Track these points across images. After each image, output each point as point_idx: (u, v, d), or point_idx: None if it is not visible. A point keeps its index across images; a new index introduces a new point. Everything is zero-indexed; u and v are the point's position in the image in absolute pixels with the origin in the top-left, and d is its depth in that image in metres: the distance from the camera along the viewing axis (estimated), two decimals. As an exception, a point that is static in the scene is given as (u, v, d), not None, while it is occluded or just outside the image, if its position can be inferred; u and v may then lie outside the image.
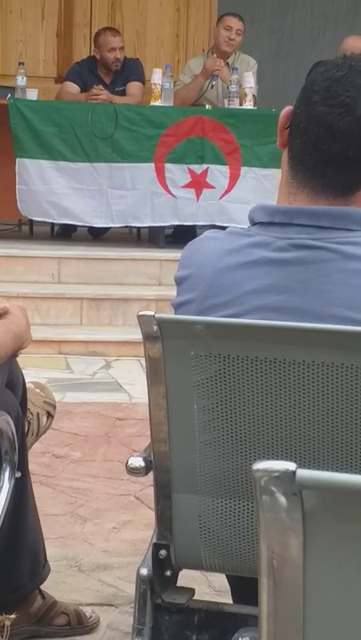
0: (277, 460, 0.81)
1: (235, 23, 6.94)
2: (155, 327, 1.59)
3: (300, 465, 0.81)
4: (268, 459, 1.50)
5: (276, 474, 0.78)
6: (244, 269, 1.60)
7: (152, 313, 1.59)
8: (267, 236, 1.61)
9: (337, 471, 1.48)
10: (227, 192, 6.50)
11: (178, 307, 1.69)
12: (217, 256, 1.64)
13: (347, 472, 1.48)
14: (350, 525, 0.77)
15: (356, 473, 1.50)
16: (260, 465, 0.79)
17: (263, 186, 6.35)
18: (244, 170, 6.44)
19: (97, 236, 7.00)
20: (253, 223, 1.65)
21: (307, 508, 0.77)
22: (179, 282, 1.70)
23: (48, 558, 2.46)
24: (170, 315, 1.63)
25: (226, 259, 1.63)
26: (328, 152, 1.56)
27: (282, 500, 0.78)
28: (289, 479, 0.77)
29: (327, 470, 1.49)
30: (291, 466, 0.78)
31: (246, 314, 1.58)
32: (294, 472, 0.78)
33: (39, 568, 2.42)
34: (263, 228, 1.62)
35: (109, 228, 6.75)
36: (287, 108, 1.66)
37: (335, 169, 1.57)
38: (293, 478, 0.77)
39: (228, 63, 7.00)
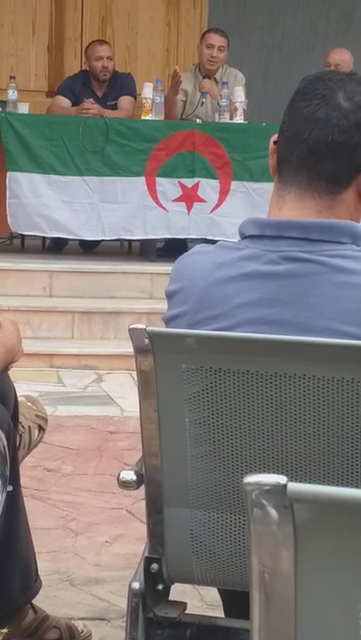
0: (269, 473, 0.81)
1: (216, 40, 6.95)
2: (146, 340, 1.59)
3: (292, 478, 0.81)
4: (260, 472, 1.50)
5: (267, 487, 0.78)
6: (235, 282, 1.61)
7: (143, 326, 1.59)
8: (257, 249, 1.61)
9: (328, 485, 1.48)
10: (217, 206, 6.51)
11: (169, 320, 1.70)
12: (208, 270, 1.64)
13: (338, 485, 1.48)
14: (341, 538, 0.77)
15: (347, 486, 1.50)
16: (251, 478, 0.79)
17: (254, 200, 6.37)
18: (234, 184, 6.46)
19: (88, 249, 7.01)
20: (244, 237, 1.66)
21: (298, 522, 0.77)
22: (170, 296, 1.71)
23: (40, 572, 2.46)
24: (161, 328, 1.63)
25: (217, 272, 1.63)
26: (308, 141, 1.59)
27: (273, 513, 0.78)
28: (280, 492, 0.77)
29: (318, 484, 1.49)
30: (282, 479, 0.78)
31: (237, 327, 1.59)
32: (285, 485, 0.78)
33: (31, 582, 2.41)
34: (254, 242, 1.63)
35: (101, 241, 6.76)
36: (274, 135, 1.68)
37: (317, 158, 1.59)
38: (284, 491, 0.77)
39: (215, 79, 7.02)
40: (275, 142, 1.67)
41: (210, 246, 1.71)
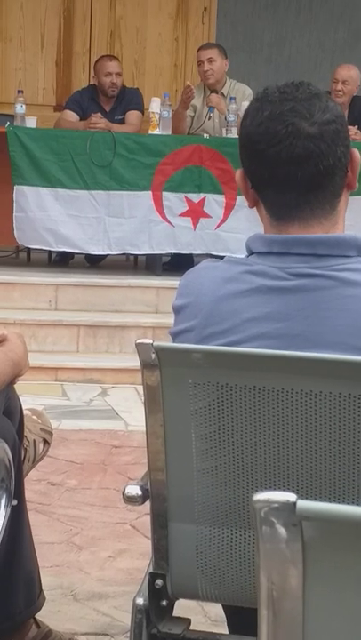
0: (276, 490, 0.81)
1: (203, 55, 6.99)
2: (153, 355, 1.59)
3: (298, 494, 0.81)
4: (267, 488, 1.50)
5: (276, 505, 0.78)
6: (243, 297, 1.61)
7: (150, 341, 1.59)
8: (265, 266, 1.61)
9: (335, 502, 1.48)
10: (222, 222, 6.52)
11: (176, 335, 1.70)
12: (215, 284, 1.64)
13: (345, 503, 1.47)
14: (350, 557, 0.77)
15: (353, 503, 1.49)
16: (261, 495, 0.79)
17: (258, 215, 6.37)
18: (239, 199, 6.46)
19: (94, 263, 7.02)
20: (251, 252, 1.66)
21: (306, 539, 0.77)
22: (177, 310, 1.71)
23: (43, 587, 2.45)
24: (168, 343, 1.63)
25: (225, 287, 1.63)
26: (302, 181, 1.58)
27: (282, 530, 0.78)
28: (289, 510, 0.77)
29: (326, 501, 1.49)
30: (291, 497, 0.78)
31: (246, 341, 1.58)
32: (295, 503, 0.78)
33: (34, 597, 2.40)
34: (261, 258, 1.63)
35: (107, 255, 6.76)
36: (238, 172, 1.68)
37: (316, 192, 1.59)
38: (294, 509, 0.77)
39: (223, 94, 7.04)
40: (250, 187, 1.65)
41: (218, 261, 1.71)
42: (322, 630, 0.81)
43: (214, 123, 7.01)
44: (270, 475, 1.55)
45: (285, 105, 1.58)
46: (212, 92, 7.04)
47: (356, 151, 1.65)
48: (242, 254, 1.70)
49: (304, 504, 0.78)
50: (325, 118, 1.58)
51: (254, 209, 1.72)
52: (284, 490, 1.48)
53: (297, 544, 0.78)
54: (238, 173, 1.68)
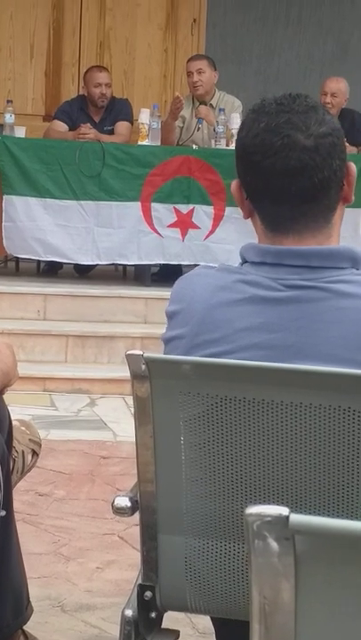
0: (265, 502, 0.81)
1: (193, 66, 7.02)
2: (143, 366, 1.59)
3: (288, 507, 0.81)
4: (256, 501, 1.50)
5: (269, 518, 0.78)
6: (236, 307, 1.61)
7: (141, 352, 1.59)
8: (258, 276, 1.62)
9: (325, 514, 1.48)
10: (211, 233, 6.53)
11: (168, 341, 1.69)
12: (208, 292, 1.64)
13: (336, 516, 1.47)
14: (342, 571, 0.77)
15: (343, 515, 1.49)
16: (253, 509, 0.79)
17: (247, 226, 6.26)
18: (228, 210, 6.47)
19: (83, 273, 7.01)
20: (245, 261, 1.66)
21: (299, 553, 0.77)
22: (170, 316, 1.71)
23: (31, 598, 2.44)
24: (158, 354, 1.63)
25: (218, 295, 1.63)
26: (298, 192, 1.58)
27: (274, 544, 0.77)
28: (282, 524, 0.77)
29: (315, 513, 1.49)
30: (284, 510, 0.78)
31: (238, 351, 1.58)
32: (287, 517, 0.78)
33: (22, 608, 2.39)
34: (255, 268, 1.63)
35: (95, 265, 6.76)
36: (234, 182, 1.68)
37: (310, 203, 1.59)
38: (286, 523, 0.77)
39: (212, 105, 7.06)
40: (245, 197, 1.66)
41: (211, 268, 1.71)
42: (314, 644, 0.81)
43: (203, 134, 7.02)
44: (259, 487, 1.55)
45: (282, 117, 1.59)
46: (200, 103, 7.06)
47: (351, 164, 1.65)
48: (236, 262, 1.70)
49: (297, 518, 0.78)
50: (322, 131, 1.58)
51: (246, 220, 1.72)
52: (273, 502, 1.49)
53: (289, 558, 0.78)
54: (234, 184, 1.69)
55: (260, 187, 1.62)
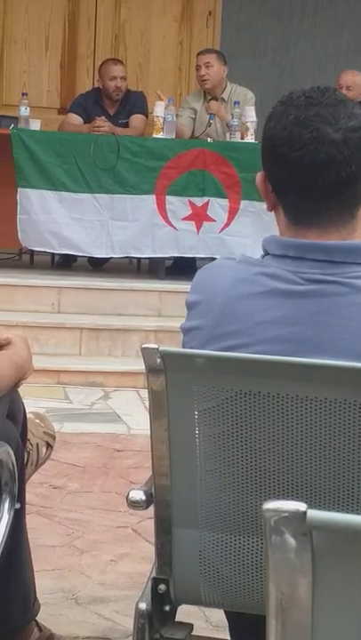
0: (280, 497, 0.81)
1: (201, 59, 7.02)
2: (158, 360, 1.59)
3: (304, 501, 0.80)
4: (271, 495, 1.49)
5: (286, 514, 0.77)
6: (256, 299, 1.60)
7: (156, 346, 1.59)
8: (279, 269, 1.61)
9: (341, 510, 1.48)
10: (226, 225, 6.51)
11: (187, 331, 1.69)
12: (229, 284, 1.64)
13: (351, 511, 1.47)
14: (359, 566, 0.76)
15: (357, 510, 1.49)
16: (271, 505, 0.78)
17: (263, 219, 6.35)
18: (243, 203, 6.46)
19: (97, 266, 7.02)
20: (267, 253, 1.65)
21: (316, 549, 0.77)
22: (190, 306, 1.70)
23: (45, 590, 2.45)
24: (174, 348, 1.62)
25: (238, 287, 1.63)
26: (323, 187, 1.57)
27: (291, 540, 0.77)
28: (299, 520, 0.77)
29: (331, 508, 1.48)
30: (301, 506, 0.77)
31: (256, 344, 1.58)
32: (305, 512, 0.77)
33: (30, 603, 2.39)
34: (276, 260, 1.62)
35: (110, 258, 6.76)
36: (260, 174, 1.67)
37: (336, 197, 1.58)
38: (304, 519, 0.77)
39: (223, 99, 7.04)
40: (271, 190, 1.65)
41: (233, 260, 1.71)
42: (331, 640, 0.80)
43: (216, 128, 7.01)
44: (275, 481, 1.55)
45: (311, 110, 1.58)
46: (212, 98, 7.04)
47: None
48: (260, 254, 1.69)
49: (314, 514, 0.78)
50: (351, 125, 1.57)
51: (262, 214, 1.71)
52: (288, 496, 1.48)
53: (307, 554, 0.78)
54: (259, 176, 1.67)
55: (286, 180, 1.61)
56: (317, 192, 1.58)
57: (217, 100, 7.02)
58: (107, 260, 6.86)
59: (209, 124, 6.97)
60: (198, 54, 7.16)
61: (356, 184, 1.58)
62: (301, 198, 1.60)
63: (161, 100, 6.71)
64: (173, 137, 6.69)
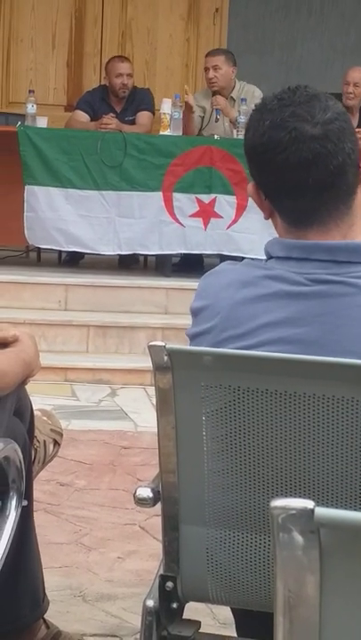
0: (287, 494, 0.81)
1: (209, 62, 6.99)
2: (165, 358, 1.59)
3: (312, 499, 0.80)
4: (279, 493, 1.49)
5: (294, 511, 0.77)
6: (260, 302, 1.60)
7: (163, 343, 1.59)
8: (284, 270, 1.61)
9: (349, 507, 1.47)
10: (234, 222, 6.50)
11: (193, 337, 1.69)
12: (234, 288, 1.64)
13: (360, 509, 1.47)
14: (367, 564, 0.76)
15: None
16: (278, 502, 0.78)
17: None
18: (251, 201, 6.43)
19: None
20: (270, 256, 1.65)
21: (324, 547, 0.77)
22: (195, 313, 1.70)
23: (52, 587, 2.45)
24: (181, 345, 1.62)
25: (243, 291, 1.63)
26: (316, 182, 1.57)
27: (299, 538, 0.77)
28: (307, 517, 0.77)
29: (339, 506, 1.48)
30: (309, 504, 0.77)
31: (262, 346, 1.58)
32: (313, 510, 0.77)
33: (39, 600, 2.39)
34: (280, 262, 1.62)
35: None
36: (251, 185, 1.67)
37: (330, 190, 1.58)
38: (312, 516, 0.77)
39: (232, 98, 7.02)
40: (264, 198, 1.65)
41: (236, 264, 1.71)
42: (339, 638, 0.80)
43: (223, 125, 7.00)
44: (282, 479, 1.55)
45: (285, 111, 1.57)
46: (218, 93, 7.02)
47: None
48: (254, 255, 1.69)
49: (322, 511, 0.78)
50: (327, 117, 1.57)
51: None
52: (295, 494, 1.48)
53: (314, 551, 0.78)
54: (250, 187, 1.68)
55: (276, 184, 1.61)
56: (311, 189, 1.58)
57: (226, 99, 7.00)
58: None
59: (215, 120, 6.95)
60: (207, 55, 7.12)
61: (346, 174, 1.58)
62: (296, 199, 1.60)
63: (187, 94, 6.69)
64: (180, 134, 6.68)
